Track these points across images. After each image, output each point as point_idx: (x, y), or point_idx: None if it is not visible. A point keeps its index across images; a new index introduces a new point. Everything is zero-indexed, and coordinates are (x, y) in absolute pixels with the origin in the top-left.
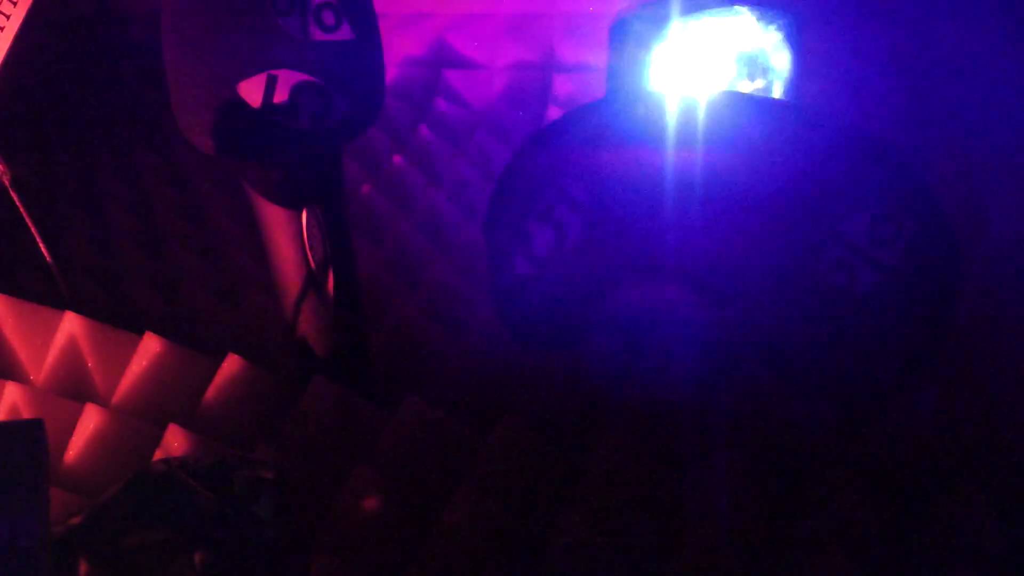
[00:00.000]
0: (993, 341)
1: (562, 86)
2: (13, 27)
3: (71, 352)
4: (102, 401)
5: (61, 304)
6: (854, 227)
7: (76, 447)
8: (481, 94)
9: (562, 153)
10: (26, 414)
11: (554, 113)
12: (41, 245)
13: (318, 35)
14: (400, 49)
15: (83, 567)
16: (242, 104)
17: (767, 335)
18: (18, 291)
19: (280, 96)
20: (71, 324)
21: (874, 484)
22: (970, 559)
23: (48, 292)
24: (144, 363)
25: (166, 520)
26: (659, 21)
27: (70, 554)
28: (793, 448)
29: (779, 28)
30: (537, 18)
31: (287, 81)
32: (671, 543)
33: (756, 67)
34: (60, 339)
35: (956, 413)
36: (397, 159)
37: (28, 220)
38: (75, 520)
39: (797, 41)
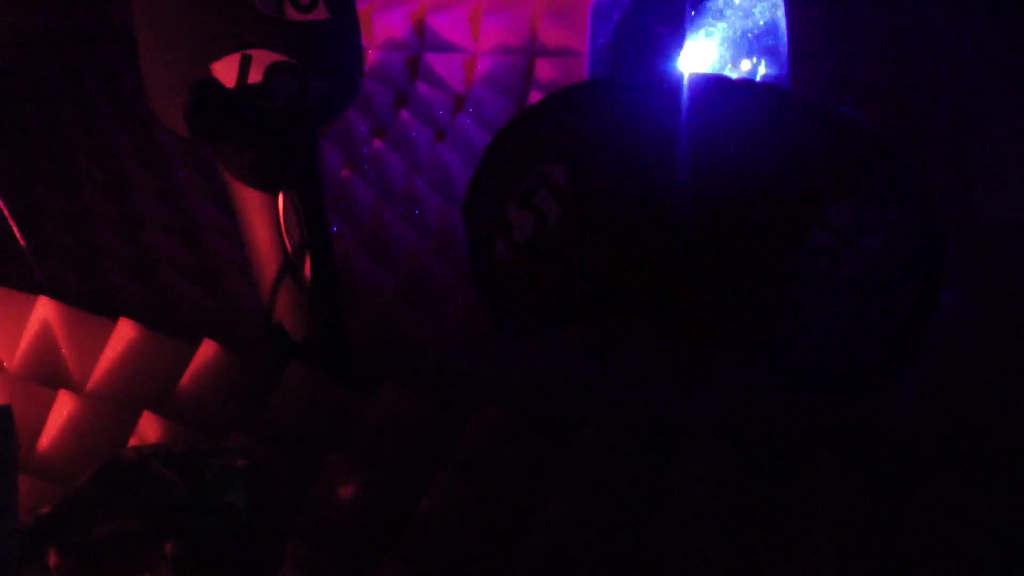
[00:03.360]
0: (978, 328)
1: (544, 70)
2: None
3: (45, 338)
4: (76, 387)
5: (35, 289)
6: (838, 213)
7: (49, 434)
8: (463, 78)
9: (542, 137)
10: None
11: (536, 97)
12: (15, 229)
13: (293, 15)
14: (381, 32)
15: (53, 557)
16: (216, 84)
17: (750, 321)
18: None
19: (254, 76)
20: (45, 309)
21: (857, 472)
22: (953, 546)
23: (22, 276)
24: (119, 349)
25: (137, 510)
26: (642, 4)
27: (40, 544)
28: (776, 436)
29: (767, 12)
30: (519, 2)
31: (262, 61)
32: (653, 530)
33: (742, 50)
34: (34, 324)
35: (940, 401)
36: (377, 143)
37: (2, 203)
38: (45, 510)
39: (785, 25)
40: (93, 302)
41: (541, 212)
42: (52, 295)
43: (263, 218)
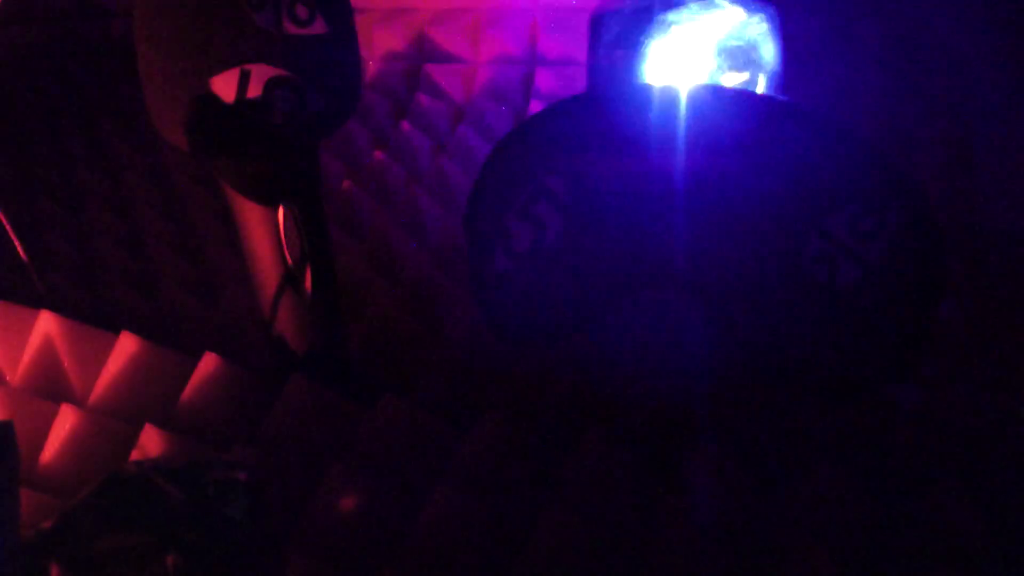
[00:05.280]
0: (978, 337)
1: (544, 80)
2: None
3: (47, 352)
4: (78, 401)
5: (37, 303)
6: (837, 221)
7: (52, 448)
8: (463, 88)
9: (542, 148)
10: (1, 415)
11: (536, 107)
12: (16, 242)
13: (292, 29)
14: (381, 44)
15: (55, 571)
16: (215, 99)
17: (750, 329)
18: None
19: (254, 91)
20: (47, 323)
21: (855, 480)
22: (949, 555)
23: (24, 290)
24: (121, 362)
25: (138, 523)
26: (640, 15)
27: (42, 558)
28: (775, 444)
29: (763, 21)
30: (519, 12)
31: (260, 76)
32: (652, 538)
33: (739, 60)
34: (36, 339)
35: (939, 409)
36: (378, 154)
37: (3, 217)
38: (47, 524)
39: (782, 34)
40: (95, 315)
41: (541, 223)
42: (54, 309)
43: (263, 231)
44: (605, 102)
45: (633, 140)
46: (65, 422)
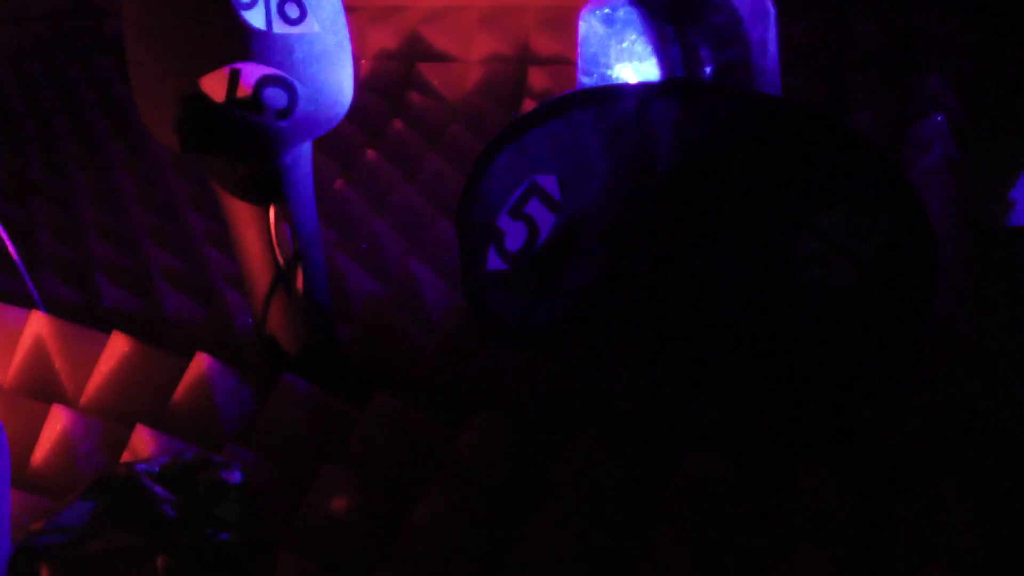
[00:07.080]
0: (972, 336)
1: (537, 79)
2: None
3: (38, 352)
4: (69, 401)
5: (28, 303)
6: (830, 220)
7: (43, 448)
8: (455, 87)
9: (534, 147)
10: None
11: (529, 106)
12: (7, 242)
13: (282, 28)
14: (374, 42)
15: (45, 572)
16: (205, 98)
17: (743, 329)
18: None
19: (244, 90)
20: (38, 324)
21: (849, 480)
22: (945, 556)
23: (15, 290)
24: (112, 363)
25: (129, 525)
26: (623, 14)
27: (31, 560)
28: (768, 444)
29: (759, 19)
30: (511, 10)
31: (251, 75)
32: (645, 539)
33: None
34: (27, 339)
35: (932, 409)
36: (370, 153)
37: None
38: (37, 525)
39: (777, 32)
40: (86, 316)
41: (533, 222)
42: (45, 309)
43: (255, 231)
44: (597, 100)
45: (625, 138)
46: (56, 423)
